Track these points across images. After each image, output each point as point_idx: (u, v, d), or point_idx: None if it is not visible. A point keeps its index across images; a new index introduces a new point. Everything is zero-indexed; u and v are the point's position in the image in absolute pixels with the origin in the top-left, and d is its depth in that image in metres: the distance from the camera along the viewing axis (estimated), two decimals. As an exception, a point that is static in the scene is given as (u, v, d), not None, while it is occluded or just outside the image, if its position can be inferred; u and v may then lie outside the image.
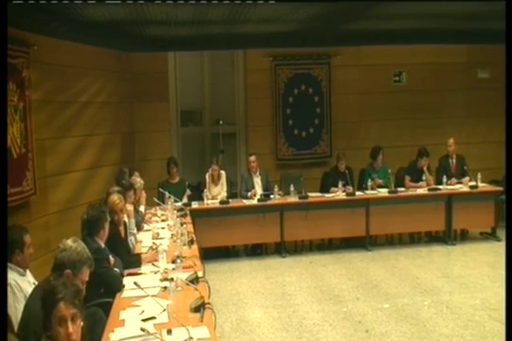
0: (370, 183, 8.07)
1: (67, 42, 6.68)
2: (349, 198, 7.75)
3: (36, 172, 5.91)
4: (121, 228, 5.04)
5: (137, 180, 6.61)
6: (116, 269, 4.25)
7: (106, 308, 3.71)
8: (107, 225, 4.32)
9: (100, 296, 3.91)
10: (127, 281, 4.17)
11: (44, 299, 2.53)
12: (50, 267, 3.23)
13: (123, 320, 3.47)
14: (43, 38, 6.11)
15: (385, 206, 7.73)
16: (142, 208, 6.56)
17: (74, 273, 3.13)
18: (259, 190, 7.96)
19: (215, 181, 8.03)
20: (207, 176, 8.06)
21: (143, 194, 6.72)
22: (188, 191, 8.04)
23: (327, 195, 7.95)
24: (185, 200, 7.73)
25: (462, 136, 9.02)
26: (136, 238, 5.63)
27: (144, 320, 3.40)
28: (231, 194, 8.34)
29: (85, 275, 3.20)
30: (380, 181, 8.22)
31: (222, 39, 8.31)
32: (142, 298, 3.78)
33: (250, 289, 6.42)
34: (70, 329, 2.46)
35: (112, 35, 7.50)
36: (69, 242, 3.29)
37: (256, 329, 5.24)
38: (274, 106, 9.19)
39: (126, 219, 5.39)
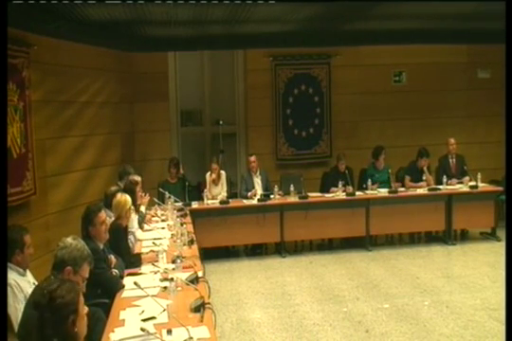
0: (369, 183, 8.04)
1: (67, 42, 6.67)
2: (349, 198, 7.75)
3: (36, 172, 5.92)
4: (125, 228, 5.03)
5: (140, 179, 6.62)
6: (115, 270, 4.24)
7: (103, 309, 3.71)
8: (99, 224, 4.20)
9: (97, 297, 3.91)
10: (127, 281, 4.17)
11: (64, 297, 2.38)
12: (50, 267, 3.22)
13: (123, 320, 3.47)
14: (43, 38, 6.10)
15: (385, 206, 7.73)
16: (143, 208, 6.56)
17: (75, 269, 3.13)
18: (259, 190, 7.95)
19: (215, 181, 8.03)
20: (207, 176, 8.06)
21: (147, 196, 6.71)
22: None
23: (327, 195, 7.95)
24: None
25: (462, 136, 9.00)
26: (135, 236, 5.61)
27: (144, 320, 3.39)
28: (231, 194, 8.34)
29: (86, 271, 3.20)
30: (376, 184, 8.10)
31: (222, 39, 8.30)
32: (142, 298, 3.78)
33: (250, 289, 6.42)
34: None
35: (112, 35, 7.49)
36: (69, 239, 3.30)
37: (256, 329, 5.24)
38: (274, 106, 9.18)
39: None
